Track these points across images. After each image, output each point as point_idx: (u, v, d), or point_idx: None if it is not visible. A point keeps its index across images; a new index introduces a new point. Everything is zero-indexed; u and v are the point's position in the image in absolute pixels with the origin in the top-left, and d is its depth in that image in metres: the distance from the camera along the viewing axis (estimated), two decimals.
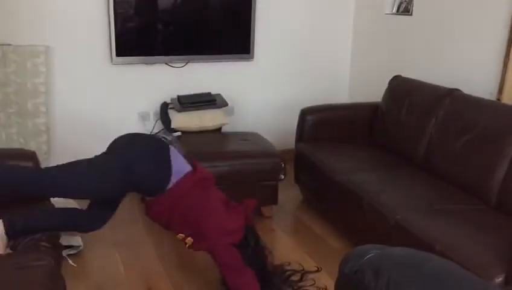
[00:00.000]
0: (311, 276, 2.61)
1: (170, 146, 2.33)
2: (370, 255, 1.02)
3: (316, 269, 2.70)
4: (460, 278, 0.93)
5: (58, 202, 2.54)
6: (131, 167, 2.16)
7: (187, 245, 2.35)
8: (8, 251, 2.04)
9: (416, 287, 0.91)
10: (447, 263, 0.99)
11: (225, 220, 2.31)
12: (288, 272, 2.61)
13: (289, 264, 2.68)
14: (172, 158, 2.26)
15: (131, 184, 2.21)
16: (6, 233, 2.05)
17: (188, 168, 2.31)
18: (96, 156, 2.26)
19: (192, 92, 3.91)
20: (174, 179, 2.23)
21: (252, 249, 2.38)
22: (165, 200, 2.25)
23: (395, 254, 1.03)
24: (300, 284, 2.55)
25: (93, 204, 2.39)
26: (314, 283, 2.55)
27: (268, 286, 2.36)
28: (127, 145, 2.31)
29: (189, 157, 2.46)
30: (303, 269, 2.66)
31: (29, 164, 2.32)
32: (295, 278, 2.59)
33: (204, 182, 2.34)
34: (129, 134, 2.42)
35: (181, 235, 2.33)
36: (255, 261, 2.35)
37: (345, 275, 1.04)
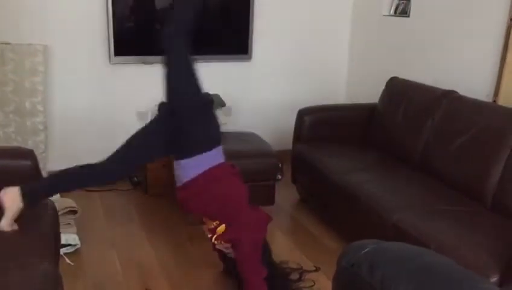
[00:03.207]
0: (309, 276, 2.63)
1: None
2: (366, 249, 1.04)
3: (314, 268, 2.71)
4: (451, 271, 0.95)
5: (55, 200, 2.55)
6: (181, 112, 2.29)
7: (214, 238, 2.35)
8: (15, 227, 2.06)
9: (408, 280, 0.93)
10: (439, 258, 1.01)
11: (255, 216, 2.35)
12: (286, 271, 2.63)
13: (287, 263, 2.69)
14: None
15: (177, 130, 2.27)
16: (23, 199, 2.10)
17: (223, 157, 2.39)
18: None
19: None
20: (217, 155, 2.33)
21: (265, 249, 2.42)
22: (205, 178, 2.27)
23: (390, 249, 1.05)
24: (299, 283, 2.56)
25: (113, 158, 2.36)
26: (314, 284, 2.56)
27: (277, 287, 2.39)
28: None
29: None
30: (301, 268, 2.68)
31: (27, 162, 2.32)
32: (293, 277, 2.60)
33: (239, 176, 2.41)
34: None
35: (214, 223, 2.33)
36: (266, 260, 2.39)
37: (342, 268, 1.06)
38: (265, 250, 2.43)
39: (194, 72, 2.31)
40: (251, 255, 2.28)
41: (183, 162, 2.29)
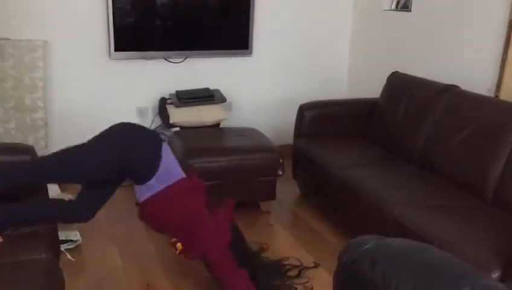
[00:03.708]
0: (308, 272, 2.63)
1: (164, 143, 2.38)
2: (368, 245, 1.03)
3: (314, 264, 2.71)
4: (453, 267, 0.95)
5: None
6: (124, 148, 2.24)
7: (178, 251, 2.36)
8: None
9: (410, 276, 0.93)
10: (440, 253, 1.01)
11: (214, 224, 2.32)
12: (286, 267, 2.63)
13: (287, 259, 2.69)
14: (163, 151, 2.31)
15: (124, 164, 2.24)
16: None
17: (180, 173, 2.37)
18: (89, 140, 2.31)
19: (190, 88, 3.91)
20: (164, 177, 2.28)
21: (240, 248, 2.40)
22: (158, 199, 2.28)
23: (392, 245, 1.05)
24: (297, 280, 2.55)
25: (83, 193, 2.39)
26: (308, 281, 2.56)
27: (260, 283, 2.37)
28: (121, 131, 2.36)
29: (186, 167, 2.56)
30: (301, 265, 2.68)
31: (28, 158, 2.31)
32: (292, 273, 2.60)
33: (196, 190, 2.39)
34: (124, 123, 2.43)
35: (174, 240, 2.36)
36: (245, 259, 2.36)
37: (344, 264, 1.06)
38: (239, 235, 2.44)
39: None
40: (223, 262, 2.27)
41: (137, 187, 2.34)
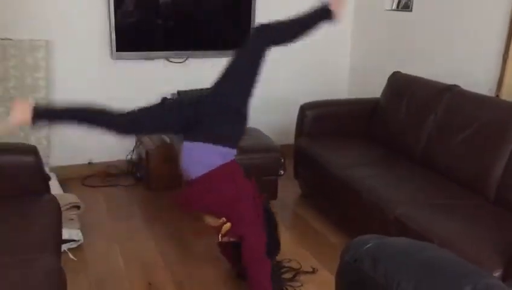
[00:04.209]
0: (304, 277, 2.61)
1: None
2: (369, 244, 1.04)
3: (312, 270, 2.69)
4: (454, 265, 0.95)
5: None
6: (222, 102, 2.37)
7: (221, 234, 2.35)
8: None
9: (411, 274, 0.93)
10: (442, 252, 1.01)
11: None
12: (283, 269, 2.62)
13: (289, 261, 2.68)
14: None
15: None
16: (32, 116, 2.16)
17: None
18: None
19: (192, 88, 3.92)
20: (227, 155, 2.32)
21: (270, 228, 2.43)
22: (217, 173, 2.27)
23: (393, 243, 1.05)
24: (291, 283, 2.55)
25: (127, 115, 2.41)
26: (301, 285, 2.55)
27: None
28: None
29: None
30: (299, 269, 2.66)
31: (30, 158, 2.32)
32: (287, 276, 2.59)
33: (243, 173, 2.42)
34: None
35: (220, 221, 2.33)
36: (271, 244, 2.39)
37: (346, 263, 1.06)
38: (271, 224, 2.45)
39: (256, 77, 2.46)
40: (257, 247, 2.28)
41: (194, 144, 2.30)
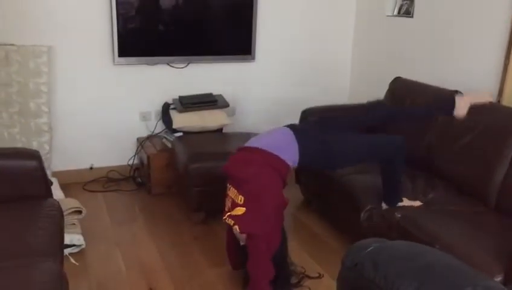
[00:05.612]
0: (309, 282, 2.61)
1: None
2: (370, 248, 1.04)
3: (318, 275, 2.69)
4: (455, 269, 0.96)
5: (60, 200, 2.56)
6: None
7: (227, 215, 2.34)
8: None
9: (412, 278, 0.93)
10: (442, 256, 1.01)
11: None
12: (288, 273, 2.62)
13: (293, 265, 2.69)
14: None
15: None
16: None
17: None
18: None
19: (193, 93, 3.93)
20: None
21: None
22: (268, 158, 2.38)
23: (394, 247, 1.05)
24: (298, 288, 2.55)
25: None
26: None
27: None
28: None
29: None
30: (303, 272, 2.67)
31: (33, 163, 2.33)
32: (294, 280, 2.59)
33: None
34: None
35: (238, 200, 2.31)
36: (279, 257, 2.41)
37: (346, 268, 1.07)
38: (282, 248, 2.46)
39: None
40: (264, 252, 2.29)
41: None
